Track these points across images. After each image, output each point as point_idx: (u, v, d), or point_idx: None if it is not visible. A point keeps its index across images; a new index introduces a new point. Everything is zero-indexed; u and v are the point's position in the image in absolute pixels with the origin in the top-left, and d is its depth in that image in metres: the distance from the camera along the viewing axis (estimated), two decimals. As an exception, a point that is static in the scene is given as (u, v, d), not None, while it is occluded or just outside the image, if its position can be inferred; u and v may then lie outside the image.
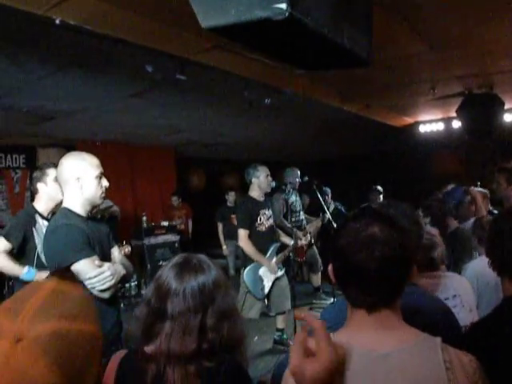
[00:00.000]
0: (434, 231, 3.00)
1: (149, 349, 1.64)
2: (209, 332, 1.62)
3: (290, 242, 5.69)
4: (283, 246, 5.66)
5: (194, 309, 1.61)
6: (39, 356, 0.86)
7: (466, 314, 2.63)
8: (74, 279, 1.40)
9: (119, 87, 5.33)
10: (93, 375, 0.98)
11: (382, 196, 8.27)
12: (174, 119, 7.35)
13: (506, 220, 1.93)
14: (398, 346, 1.30)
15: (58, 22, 3.16)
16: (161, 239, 8.96)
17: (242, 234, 5.28)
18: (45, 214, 3.83)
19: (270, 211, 5.53)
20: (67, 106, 6.05)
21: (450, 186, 6.36)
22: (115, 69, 4.66)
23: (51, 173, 3.81)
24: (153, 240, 8.87)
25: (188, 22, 3.69)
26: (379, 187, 8.37)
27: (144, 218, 9.01)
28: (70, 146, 8.63)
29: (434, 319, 1.65)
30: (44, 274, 3.55)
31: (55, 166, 3.83)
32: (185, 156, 10.96)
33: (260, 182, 5.41)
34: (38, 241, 3.67)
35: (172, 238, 9.15)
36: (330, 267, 1.45)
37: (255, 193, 5.45)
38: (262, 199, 5.47)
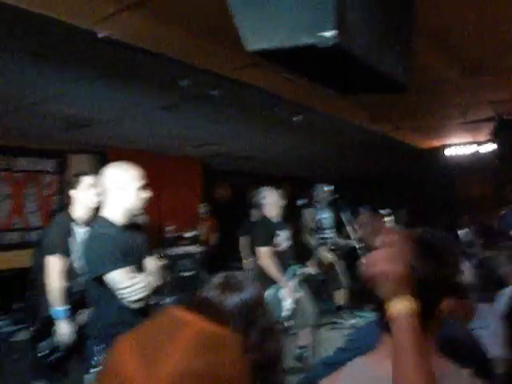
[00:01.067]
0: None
1: None
2: (251, 352, 1.61)
3: (297, 269, 5.64)
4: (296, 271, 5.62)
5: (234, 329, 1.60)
6: None
7: (493, 347, 2.58)
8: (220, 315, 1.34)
9: (152, 99, 5.42)
10: None
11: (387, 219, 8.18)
12: (202, 132, 7.44)
13: None
14: None
15: (100, 36, 3.25)
16: (183, 250, 9.01)
17: (263, 251, 5.24)
18: (79, 221, 3.89)
19: (287, 232, 5.50)
20: (101, 115, 6.16)
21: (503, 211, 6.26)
22: (150, 81, 4.75)
23: (86, 180, 3.88)
24: (175, 250, 8.92)
25: (225, 39, 3.79)
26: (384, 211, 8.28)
27: (168, 229, 9.08)
28: (100, 153, 8.81)
29: (462, 350, 1.65)
30: (65, 325, 3.59)
31: (89, 173, 3.94)
32: (212, 168, 11.03)
33: (267, 203, 5.41)
34: (72, 249, 3.73)
35: (195, 249, 9.19)
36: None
37: (268, 214, 5.45)
38: (276, 220, 5.46)
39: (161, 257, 3.95)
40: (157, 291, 2.95)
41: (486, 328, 2.62)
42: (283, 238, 5.39)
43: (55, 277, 3.66)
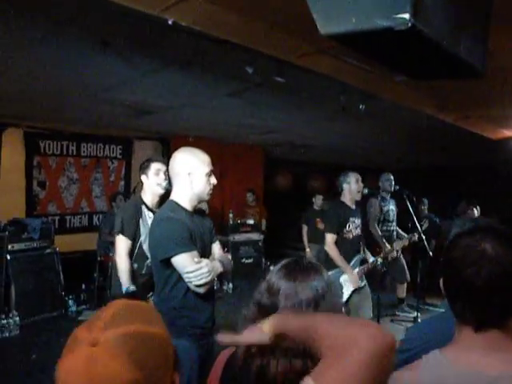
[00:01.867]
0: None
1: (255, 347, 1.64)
2: None
3: (370, 258, 5.57)
4: (364, 260, 5.57)
5: (306, 303, 1.59)
6: (114, 356, 0.97)
7: None
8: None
9: (217, 86, 5.45)
10: (168, 376, 1.10)
11: (476, 210, 7.92)
12: (266, 119, 7.43)
13: None
14: (506, 370, 1.26)
15: (170, 22, 3.28)
16: (245, 237, 9.09)
17: (330, 238, 5.24)
18: (150, 206, 3.98)
19: (359, 220, 5.45)
20: (166, 102, 6.26)
21: None
22: (215, 68, 4.77)
23: (153, 166, 3.97)
24: (237, 237, 9.01)
25: (291, 26, 3.75)
26: (476, 202, 8.02)
27: (231, 215, 9.17)
28: (164, 140, 8.99)
29: None
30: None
31: (159, 160, 4.03)
32: (273, 156, 11.05)
33: (351, 188, 5.35)
34: (143, 231, 3.83)
35: (256, 236, 9.26)
36: (441, 280, 1.43)
37: (346, 199, 5.41)
38: (353, 206, 5.41)
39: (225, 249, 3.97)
40: (223, 277, 2.98)
41: None
42: (356, 226, 5.36)
43: (123, 256, 3.79)
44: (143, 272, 3.78)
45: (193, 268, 2.66)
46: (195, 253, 2.72)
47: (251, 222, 9.37)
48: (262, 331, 1.28)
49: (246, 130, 8.39)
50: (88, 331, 1.02)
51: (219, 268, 2.85)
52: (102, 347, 0.98)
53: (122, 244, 3.81)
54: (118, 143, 8.93)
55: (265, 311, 1.62)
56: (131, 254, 3.84)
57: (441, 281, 1.44)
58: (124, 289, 3.79)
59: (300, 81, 5.07)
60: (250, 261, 8.96)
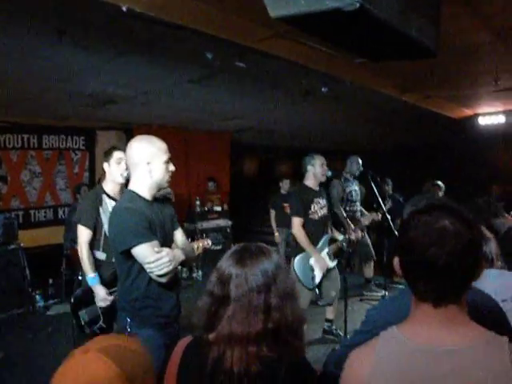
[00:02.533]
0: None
1: (212, 336, 1.65)
2: (273, 312, 1.61)
3: (339, 236, 5.63)
4: (334, 239, 5.62)
5: (257, 289, 1.61)
6: (100, 358, 1.23)
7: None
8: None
9: (178, 73, 5.40)
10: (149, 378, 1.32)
11: (442, 191, 8.02)
12: (230, 105, 7.40)
13: None
14: (464, 343, 1.29)
15: (124, 9, 3.23)
16: (213, 223, 9.08)
17: (296, 221, 5.26)
18: (111, 194, 3.96)
19: (325, 201, 5.48)
20: (127, 91, 6.17)
21: None
22: (175, 55, 4.72)
23: (115, 155, 3.94)
24: (205, 224, 9.00)
25: (249, 10, 3.73)
26: (439, 182, 8.12)
27: (198, 202, 9.14)
28: (127, 130, 8.88)
29: (486, 318, 1.62)
30: (101, 291, 3.77)
31: (122, 149, 4.00)
32: (239, 142, 11.02)
33: (315, 170, 5.38)
34: (105, 220, 3.81)
35: (224, 222, 9.26)
36: (396, 260, 1.44)
37: (310, 181, 5.43)
38: (316, 188, 5.44)
39: (205, 238, 3.99)
40: (186, 265, 2.96)
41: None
42: (321, 207, 5.38)
43: (82, 246, 3.86)
44: (113, 260, 3.75)
45: (153, 258, 2.64)
46: (155, 242, 2.70)
47: (218, 208, 9.35)
48: None
49: (210, 116, 8.34)
50: (82, 348, 1.31)
51: (181, 256, 2.83)
52: (92, 353, 1.25)
53: (81, 233, 3.88)
54: (80, 134, 8.77)
55: (218, 301, 1.63)
56: (92, 243, 3.89)
57: (395, 261, 1.44)
58: (87, 278, 3.82)
59: (261, 65, 5.05)
60: (219, 247, 8.92)
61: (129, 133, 8.97)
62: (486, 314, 1.78)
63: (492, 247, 2.69)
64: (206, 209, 9.25)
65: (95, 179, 8.64)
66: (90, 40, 4.19)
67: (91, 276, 3.82)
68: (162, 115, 8.19)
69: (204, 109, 7.63)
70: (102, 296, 3.76)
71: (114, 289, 3.68)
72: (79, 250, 3.88)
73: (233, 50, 4.45)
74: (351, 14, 1.54)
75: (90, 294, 3.85)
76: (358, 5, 1.51)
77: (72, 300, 3.96)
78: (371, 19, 1.61)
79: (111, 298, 3.76)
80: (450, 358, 1.28)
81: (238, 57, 4.61)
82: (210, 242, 3.77)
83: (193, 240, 3.75)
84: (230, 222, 9.35)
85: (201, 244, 3.57)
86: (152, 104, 7.08)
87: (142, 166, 2.81)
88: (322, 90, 5.89)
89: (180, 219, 7.67)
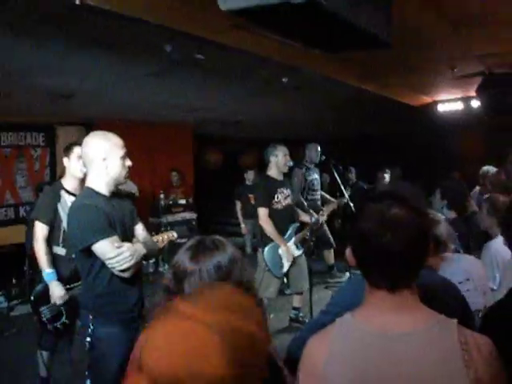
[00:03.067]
0: (453, 214, 2.97)
1: None
2: None
3: (309, 219, 5.68)
4: (302, 226, 5.68)
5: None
6: (211, 339, 0.94)
7: (479, 298, 2.60)
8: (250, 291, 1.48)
9: (138, 66, 5.34)
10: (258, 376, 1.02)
11: (388, 176, 8.20)
12: (191, 98, 7.36)
13: None
14: (416, 327, 1.33)
15: (77, 2, 3.18)
16: (178, 217, 9.04)
17: (262, 212, 5.30)
18: (71, 190, 3.92)
19: (289, 190, 5.53)
20: (86, 85, 6.07)
21: (486, 167, 6.23)
22: (134, 48, 4.67)
23: (76, 150, 3.90)
24: (170, 218, 8.95)
25: (206, 2, 3.70)
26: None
27: (162, 196, 9.08)
28: (88, 125, 8.73)
29: (444, 300, 1.67)
30: (56, 288, 3.73)
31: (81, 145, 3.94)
32: (203, 134, 10.97)
33: (278, 161, 5.42)
34: (63, 216, 3.77)
35: (189, 215, 9.23)
36: (348, 250, 1.47)
37: (273, 172, 5.47)
38: (280, 178, 5.48)
39: (169, 231, 3.98)
40: (148, 259, 2.96)
41: (470, 281, 2.64)
42: (285, 196, 5.42)
43: (39, 242, 3.82)
44: (73, 256, 3.72)
45: (114, 253, 2.63)
46: (115, 238, 2.68)
47: (183, 201, 9.31)
48: None
49: (171, 109, 8.28)
50: (192, 307, 1.01)
51: (142, 250, 2.83)
52: (203, 326, 0.95)
53: (38, 229, 3.85)
54: (40, 130, 8.59)
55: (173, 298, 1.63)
56: (51, 238, 3.86)
57: (347, 250, 1.47)
58: (44, 273, 3.79)
59: (221, 57, 5.04)
60: (184, 241, 8.91)
61: (90, 128, 8.81)
62: (446, 297, 1.84)
63: (443, 230, 2.73)
64: (171, 202, 9.19)
65: (56, 176, 8.49)
66: (44, 34, 4.11)
67: (48, 272, 3.78)
68: (124, 109, 8.09)
69: (165, 102, 7.56)
70: (58, 294, 3.73)
71: (74, 284, 3.66)
72: (35, 246, 3.85)
73: (191, 43, 4.42)
74: (300, 6, 1.55)
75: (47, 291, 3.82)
76: (306, -3, 1.53)
77: (32, 297, 3.92)
78: (321, 11, 1.62)
79: (67, 296, 3.73)
80: (403, 341, 1.31)
81: (197, 49, 4.58)
82: (175, 234, 3.76)
83: (158, 233, 3.74)
84: (195, 215, 9.32)
85: (166, 236, 3.57)
86: (112, 98, 6.99)
87: (97, 162, 2.79)
88: (283, 80, 5.90)
89: (145, 214, 7.63)
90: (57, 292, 3.73)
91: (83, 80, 5.81)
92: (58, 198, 3.90)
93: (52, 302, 3.77)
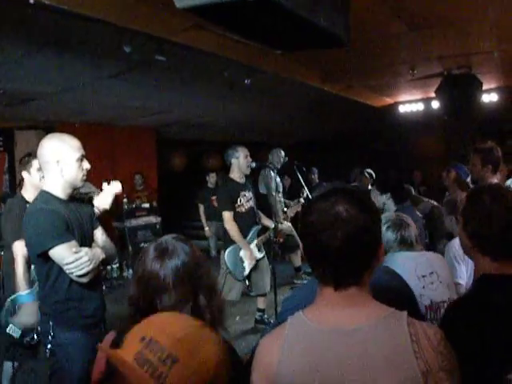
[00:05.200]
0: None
1: None
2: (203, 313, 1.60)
3: (271, 224, 5.68)
4: (264, 229, 5.67)
5: (183, 297, 1.59)
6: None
7: (443, 290, 2.69)
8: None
9: (97, 68, 5.25)
10: None
11: (372, 180, 8.19)
12: (153, 100, 7.29)
13: (480, 196, 1.93)
14: (367, 322, 1.34)
15: (31, 1, 3.10)
16: (142, 221, 8.96)
17: (227, 215, 5.28)
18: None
19: (251, 193, 5.53)
20: (45, 88, 5.96)
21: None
22: (93, 49, 4.59)
23: (35, 163, 3.76)
24: (134, 222, 8.86)
25: (166, 1, 3.67)
26: (370, 171, 8.29)
27: (125, 200, 8.98)
28: (48, 129, 8.54)
29: (389, 295, 1.69)
30: (29, 309, 3.46)
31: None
32: (166, 137, 10.86)
33: (239, 163, 5.40)
34: None
35: (153, 219, 9.15)
36: (301, 245, 1.48)
37: (235, 174, 5.45)
38: (242, 181, 5.47)
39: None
40: (106, 262, 2.90)
41: (434, 274, 2.72)
42: (247, 199, 5.41)
43: (20, 263, 3.57)
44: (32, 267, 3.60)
45: (72, 258, 2.57)
46: (73, 242, 2.63)
47: (147, 205, 9.23)
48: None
49: (133, 112, 8.18)
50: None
51: (101, 255, 2.78)
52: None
53: (18, 249, 3.57)
54: (-3, 135, 8.41)
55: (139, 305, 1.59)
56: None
57: (301, 246, 1.48)
58: (21, 296, 3.52)
59: (182, 58, 5.01)
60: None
61: (50, 132, 8.64)
62: (396, 293, 1.86)
63: (411, 232, 2.84)
64: (134, 206, 9.10)
65: (16, 181, 8.29)
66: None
67: (25, 293, 3.50)
68: (84, 112, 7.95)
69: (126, 104, 7.47)
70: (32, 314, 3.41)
71: None
72: (16, 266, 3.57)
73: (152, 43, 4.37)
74: (256, 4, 1.54)
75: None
76: (261, -6, 1.52)
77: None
78: (277, 9, 1.61)
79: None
80: (354, 337, 1.32)
81: (158, 50, 4.53)
82: (119, 185, 3.49)
83: (122, 241, 3.61)
84: (159, 219, 9.25)
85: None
86: (72, 101, 6.86)
87: (52, 165, 2.73)
88: (245, 81, 5.89)
89: (109, 218, 7.50)
90: (31, 313, 3.52)
91: (41, 83, 5.70)
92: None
93: (20, 320, 3.58)
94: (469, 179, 5.25)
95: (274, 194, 6.88)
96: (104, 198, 3.24)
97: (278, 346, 1.38)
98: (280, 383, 1.35)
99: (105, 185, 3.33)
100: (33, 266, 3.67)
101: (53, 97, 6.43)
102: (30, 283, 3.58)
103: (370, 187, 7.60)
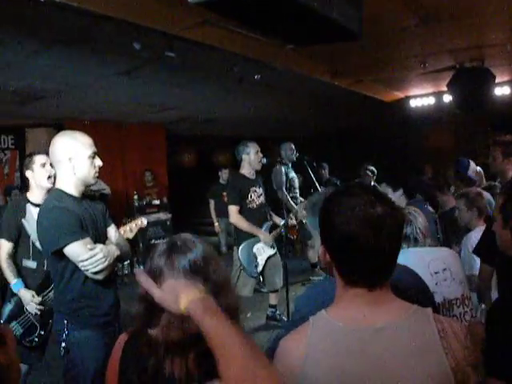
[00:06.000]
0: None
1: (153, 332, 1.56)
2: None
3: (281, 222, 5.65)
4: (275, 225, 5.65)
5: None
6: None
7: (456, 287, 2.67)
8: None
9: (107, 65, 5.25)
10: None
11: (374, 177, 8.15)
12: (163, 96, 7.28)
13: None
14: (394, 320, 1.33)
15: (42, -1, 3.10)
16: (153, 217, 8.95)
17: (233, 209, 5.28)
18: (37, 202, 3.75)
19: (261, 189, 5.51)
20: (55, 85, 5.97)
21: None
22: (103, 46, 4.58)
23: (38, 159, 3.76)
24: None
25: (173, -2, 3.65)
26: (372, 168, 8.24)
27: (135, 197, 8.99)
28: (58, 126, 8.57)
29: (409, 294, 1.66)
30: (26, 294, 3.59)
31: (42, 152, 3.82)
32: (176, 133, 10.87)
33: (250, 159, 5.38)
34: (30, 230, 3.64)
35: (164, 216, 9.15)
36: (321, 249, 1.42)
37: (245, 170, 5.43)
38: (252, 176, 5.45)
39: (138, 218, 3.75)
40: (121, 259, 2.90)
41: (447, 271, 2.69)
42: (258, 195, 5.39)
43: (3, 258, 3.71)
44: (45, 268, 3.61)
45: (87, 256, 2.56)
46: (88, 239, 2.62)
47: (157, 201, 9.24)
48: (177, 301, 1.20)
49: (143, 108, 8.18)
50: None
51: (115, 252, 2.77)
52: None
53: (2, 247, 3.73)
54: (8, 133, 8.44)
55: (151, 307, 1.56)
56: (19, 253, 3.74)
57: (321, 250, 1.42)
58: (12, 285, 3.67)
59: (192, 54, 4.98)
60: (159, 241, 8.85)
61: (61, 129, 8.66)
62: (417, 292, 1.84)
63: (414, 228, 2.78)
64: (145, 202, 9.11)
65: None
66: (9, 34, 4.01)
67: (14, 282, 3.65)
68: (94, 109, 7.97)
69: (136, 101, 7.47)
70: (29, 298, 3.57)
71: (43, 293, 3.56)
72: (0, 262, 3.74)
73: (161, 40, 4.36)
74: (270, -3, 1.52)
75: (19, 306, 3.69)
76: (275, -12, 1.49)
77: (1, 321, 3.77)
78: (290, 2, 1.59)
79: (38, 299, 3.61)
80: (380, 335, 1.31)
81: (168, 46, 4.52)
82: (144, 221, 3.56)
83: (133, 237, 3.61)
84: (169, 215, 9.24)
85: (134, 225, 3.41)
86: (82, 98, 6.87)
87: (64, 162, 2.72)
88: (255, 77, 5.87)
89: (119, 214, 7.54)
90: (28, 297, 3.60)
91: (52, 80, 5.70)
92: (22, 213, 3.74)
93: (25, 308, 3.64)
94: (470, 173, 5.21)
95: (284, 190, 6.83)
96: (128, 232, 3.27)
97: (302, 345, 1.35)
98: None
99: (132, 224, 3.35)
100: (27, 262, 3.74)
101: (63, 94, 6.44)
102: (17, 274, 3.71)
103: (372, 183, 7.61)
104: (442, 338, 1.29)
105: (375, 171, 8.10)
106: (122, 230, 3.25)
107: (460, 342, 1.31)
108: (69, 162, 2.71)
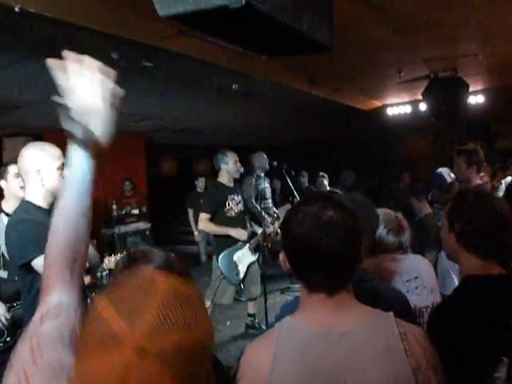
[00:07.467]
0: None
1: None
2: None
3: (259, 230, 5.68)
4: (254, 233, 5.67)
5: None
6: (164, 373, 0.79)
7: (427, 295, 2.67)
8: (186, 275, 1.31)
9: (84, 75, 5.24)
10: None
11: (327, 182, 8.33)
12: (142, 106, 7.27)
13: (465, 197, 1.95)
14: (356, 324, 1.36)
15: (17, 9, 3.10)
16: (132, 227, 8.94)
17: (202, 216, 5.29)
18: (11, 212, 3.73)
19: (240, 197, 5.53)
20: (32, 95, 5.93)
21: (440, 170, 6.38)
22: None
23: (12, 169, 3.70)
24: (123, 228, 8.83)
25: (152, 8, 3.67)
26: (323, 173, 8.43)
27: (114, 207, 8.95)
28: (37, 135, 8.52)
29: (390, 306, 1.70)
30: None
31: (16, 162, 3.79)
32: (155, 142, 10.86)
33: (229, 167, 5.41)
34: (1, 240, 3.62)
35: (143, 225, 9.13)
36: (282, 256, 1.46)
37: (224, 178, 5.45)
38: (231, 185, 5.47)
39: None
40: (90, 271, 2.88)
41: (418, 279, 2.70)
42: (236, 202, 5.41)
43: None
44: (16, 278, 3.58)
45: None
46: None
47: (136, 211, 9.21)
48: None
49: (122, 118, 8.12)
50: (130, 328, 0.80)
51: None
52: (152, 360, 0.79)
53: None
54: (-15, 142, 8.36)
55: None
56: None
57: (281, 257, 1.46)
58: None
59: (170, 64, 5.01)
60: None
61: (39, 139, 8.60)
62: (390, 302, 1.86)
63: (407, 237, 2.80)
64: (124, 212, 9.07)
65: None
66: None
67: None
68: (73, 119, 7.92)
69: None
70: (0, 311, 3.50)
71: (14, 304, 3.53)
72: None
73: (139, 50, 4.38)
74: (239, 11, 1.55)
75: None
76: (243, 2, 1.52)
77: None
78: (260, 16, 1.62)
79: (8, 315, 3.56)
80: (345, 339, 1.33)
81: (145, 56, 4.54)
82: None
83: (112, 247, 3.61)
84: (149, 225, 9.22)
85: (113, 259, 3.44)
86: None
87: (33, 174, 2.70)
88: (233, 86, 5.91)
89: (97, 224, 7.47)
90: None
91: (28, 90, 5.67)
92: None
93: None
94: (448, 179, 5.30)
95: (253, 201, 6.86)
96: (112, 263, 3.30)
97: (268, 353, 1.36)
98: None
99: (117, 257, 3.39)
100: None
101: (40, 104, 6.40)
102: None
103: (328, 188, 8.00)
104: (404, 341, 1.33)
105: (326, 176, 8.31)
106: (106, 260, 3.25)
107: (420, 346, 1.35)
108: (37, 173, 2.69)
